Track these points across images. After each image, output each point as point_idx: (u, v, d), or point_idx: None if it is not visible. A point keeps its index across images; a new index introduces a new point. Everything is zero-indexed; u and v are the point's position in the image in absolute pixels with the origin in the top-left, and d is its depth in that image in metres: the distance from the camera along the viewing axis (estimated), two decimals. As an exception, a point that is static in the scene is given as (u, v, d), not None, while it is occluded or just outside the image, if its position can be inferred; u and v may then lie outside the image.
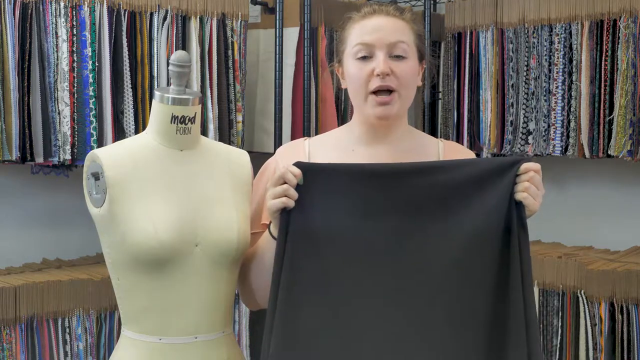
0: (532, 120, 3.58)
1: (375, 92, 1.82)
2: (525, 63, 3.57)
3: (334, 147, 1.92)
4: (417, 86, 1.89)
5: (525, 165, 1.68)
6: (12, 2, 2.83)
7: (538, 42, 3.54)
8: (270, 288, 1.70)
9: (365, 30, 1.84)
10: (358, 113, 1.90)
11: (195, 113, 1.86)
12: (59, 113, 2.93)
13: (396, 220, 1.69)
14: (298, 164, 1.70)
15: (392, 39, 1.82)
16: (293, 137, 3.58)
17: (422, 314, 1.68)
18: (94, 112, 2.98)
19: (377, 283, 1.68)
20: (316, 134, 3.60)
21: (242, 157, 1.97)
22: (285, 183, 1.68)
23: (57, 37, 2.92)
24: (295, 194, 1.68)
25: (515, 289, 1.66)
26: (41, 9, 2.90)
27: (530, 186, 1.67)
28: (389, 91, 1.81)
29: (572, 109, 3.45)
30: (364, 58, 1.83)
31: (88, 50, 2.97)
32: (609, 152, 3.33)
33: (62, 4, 2.92)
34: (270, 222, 1.77)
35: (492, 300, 1.68)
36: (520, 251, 1.67)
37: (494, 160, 1.75)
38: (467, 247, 1.68)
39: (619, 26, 3.30)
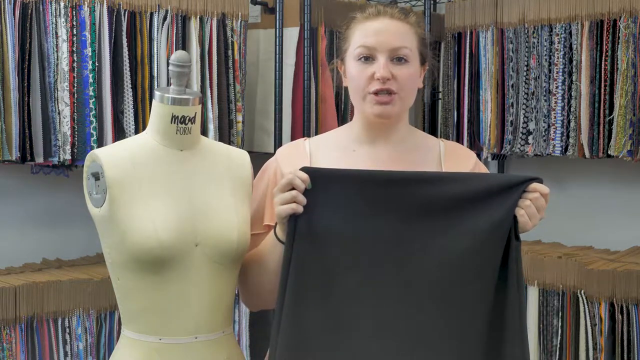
0: (532, 120, 3.57)
1: (375, 93, 1.82)
2: (525, 63, 3.57)
3: (334, 147, 1.92)
4: (418, 88, 1.90)
5: (533, 185, 1.69)
6: (12, 2, 2.83)
7: (538, 42, 3.54)
8: (278, 289, 1.71)
9: (368, 32, 1.83)
10: (358, 112, 1.90)
11: (195, 113, 1.86)
12: (59, 113, 2.93)
13: (401, 225, 1.71)
14: (305, 169, 1.71)
15: (395, 44, 1.82)
16: (293, 137, 3.58)
17: (424, 315, 1.70)
18: (94, 112, 2.98)
19: (382, 285, 1.70)
20: (316, 133, 3.59)
21: (242, 157, 1.97)
22: (293, 189, 1.69)
23: (57, 37, 2.92)
24: (303, 200, 1.69)
25: (511, 297, 1.69)
26: (41, 9, 2.90)
27: (530, 205, 1.68)
28: (389, 93, 1.82)
29: (572, 109, 3.45)
30: (365, 59, 1.83)
31: (88, 50, 2.97)
32: (609, 152, 3.33)
33: (62, 4, 2.92)
34: (276, 224, 1.78)
35: (490, 305, 1.70)
36: (516, 262, 1.69)
37: (506, 176, 1.77)
38: (468, 254, 1.70)
39: (619, 26, 3.30)
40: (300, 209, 1.69)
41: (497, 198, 1.70)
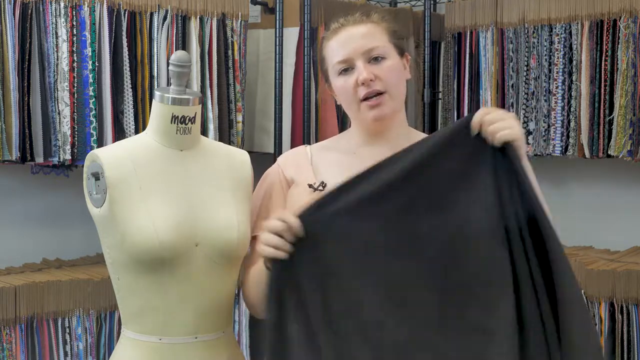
0: (532, 121, 3.58)
1: (365, 99, 1.83)
2: (525, 63, 3.57)
3: (336, 150, 1.95)
4: (406, 79, 1.91)
5: (475, 123, 1.64)
6: (12, 2, 2.83)
7: (538, 42, 3.54)
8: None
9: (339, 45, 1.86)
10: (355, 121, 1.92)
11: (195, 113, 1.86)
12: (59, 113, 2.93)
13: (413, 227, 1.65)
14: (301, 217, 1.62)
15: (367, 46, 1.84)
16: (293, 137, 3.58)
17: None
18: (94, 112, 2.98)
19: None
20: (316, 134, 3.60)
21: (242, 157, 1.97)
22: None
23: (57, 37, 2.92)
24: (289, 250, 1.60)
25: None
26: (41, 9, 2.90)
27: (495, 126, 1.62)
28: (379, 94, 1.83)
29: (572, 109, 3.45)
30: (345, 71, 1.85)
31: (88, 50, 2.97)
32: (609, 152, 3.33)
33: (62, 4, 2.92)
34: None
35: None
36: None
37: (446, 131, 1.71)
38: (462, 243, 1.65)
39: (619, 26, 3.30)
40: (283, 256, 1.60)
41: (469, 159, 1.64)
